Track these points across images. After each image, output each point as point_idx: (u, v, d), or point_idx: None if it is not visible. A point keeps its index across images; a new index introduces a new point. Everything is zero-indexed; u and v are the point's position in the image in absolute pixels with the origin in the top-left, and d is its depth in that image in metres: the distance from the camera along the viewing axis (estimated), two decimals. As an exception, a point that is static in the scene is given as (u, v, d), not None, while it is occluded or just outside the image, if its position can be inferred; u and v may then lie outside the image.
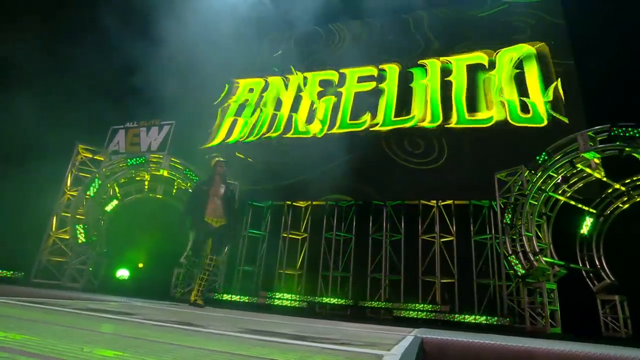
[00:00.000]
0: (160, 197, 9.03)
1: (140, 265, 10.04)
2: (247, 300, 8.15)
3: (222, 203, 5.04)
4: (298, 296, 8.36)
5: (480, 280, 7.95)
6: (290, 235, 9.59)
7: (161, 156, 8.76)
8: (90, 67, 10.24)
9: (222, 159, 5.39)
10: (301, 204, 9.86)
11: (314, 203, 9.69)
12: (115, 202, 8.59)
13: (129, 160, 8.38)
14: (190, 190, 7.30)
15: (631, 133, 5.54)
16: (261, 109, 11.02)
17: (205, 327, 2.09)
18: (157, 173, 8.59)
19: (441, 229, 8.46)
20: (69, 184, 8.50)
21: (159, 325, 2.02)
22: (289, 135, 10.34)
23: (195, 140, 10.85)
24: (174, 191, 8.83)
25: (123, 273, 9.75)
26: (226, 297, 8.14)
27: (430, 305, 7.54)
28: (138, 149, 11.23)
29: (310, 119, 10.37)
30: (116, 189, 8.55)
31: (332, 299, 8.28)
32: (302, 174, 9.38)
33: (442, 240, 8.42)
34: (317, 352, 1.52)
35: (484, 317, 6.80)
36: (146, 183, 8.91)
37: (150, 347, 1.26)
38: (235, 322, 2.74)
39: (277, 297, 8.32)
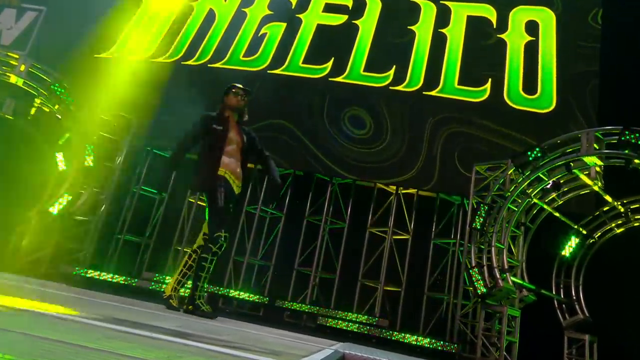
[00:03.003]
0: (9, 117, 8.27)
1: None
2: (123, 282, 7.95)
3: (239, 156, 4.49)
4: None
5: (433, 294, 8.35)
6: (199, 202, 9.43)
7: (17, 56, 8.06)
8: None
9: (239, 86, 4.66)
10: (220, 162, 9.67)
11: (238, 163, 9.54)
12: None
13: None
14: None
15: (645, 141, 5.97)
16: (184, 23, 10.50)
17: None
18: (8, 81, 7.89)
19: (396, 223, 8.72)
20: None
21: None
22: (218, 64, 9.99)
23: (80, 43, 10.09)
24: (32, 112, 8.16)
25: None
26: (93, 273, 7.85)
27: (366, 317, 7.82)
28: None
29: (253, 49, 10.08)
30: None
31: (242, 293, 8.33)
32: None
33: (395, 237, 8.69)
34: (194, 353, 1.50)
35: (428, 339, 7.19)
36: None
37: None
38: (96, 307, 2.67)
39: (167, 281, 8.19)
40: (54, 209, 7.68)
